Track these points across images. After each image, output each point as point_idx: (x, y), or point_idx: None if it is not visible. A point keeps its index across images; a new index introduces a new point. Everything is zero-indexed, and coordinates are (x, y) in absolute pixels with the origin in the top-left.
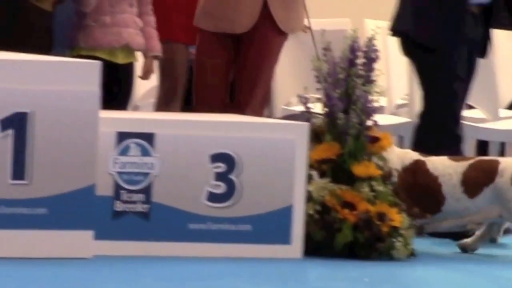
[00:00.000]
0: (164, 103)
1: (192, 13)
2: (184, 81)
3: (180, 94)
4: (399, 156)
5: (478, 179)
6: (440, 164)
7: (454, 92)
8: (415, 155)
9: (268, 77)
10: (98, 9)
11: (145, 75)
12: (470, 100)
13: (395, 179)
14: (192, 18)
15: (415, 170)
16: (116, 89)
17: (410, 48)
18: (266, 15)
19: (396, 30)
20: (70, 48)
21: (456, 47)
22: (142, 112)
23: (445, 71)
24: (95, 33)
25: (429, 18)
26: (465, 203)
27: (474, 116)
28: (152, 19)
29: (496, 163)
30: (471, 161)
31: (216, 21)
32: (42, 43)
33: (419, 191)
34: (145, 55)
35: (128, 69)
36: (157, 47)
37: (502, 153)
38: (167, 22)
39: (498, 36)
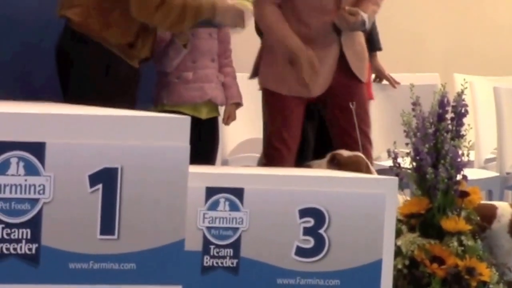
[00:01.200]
0: None
1: None
2: None
3: None
4: None
5: None
6: None
7: None
8: None
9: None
10: (181, 66)
11: (227, 121)
12: None
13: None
14: None
15: None
16: (201, 144)
17: None
18: (342, 67)
19: None
20: (154, 105)
21: None
22: (231, 167)
23: None
24: (178, 89)
25: None
26: None
27: None
28: (232, 70)
29: None
30: None
31: (290, 85)
32: (128, 98)
33: None
34: (226, 104)
35: (212, 123)
36: (235, 95)
37: None
38: None
39: None
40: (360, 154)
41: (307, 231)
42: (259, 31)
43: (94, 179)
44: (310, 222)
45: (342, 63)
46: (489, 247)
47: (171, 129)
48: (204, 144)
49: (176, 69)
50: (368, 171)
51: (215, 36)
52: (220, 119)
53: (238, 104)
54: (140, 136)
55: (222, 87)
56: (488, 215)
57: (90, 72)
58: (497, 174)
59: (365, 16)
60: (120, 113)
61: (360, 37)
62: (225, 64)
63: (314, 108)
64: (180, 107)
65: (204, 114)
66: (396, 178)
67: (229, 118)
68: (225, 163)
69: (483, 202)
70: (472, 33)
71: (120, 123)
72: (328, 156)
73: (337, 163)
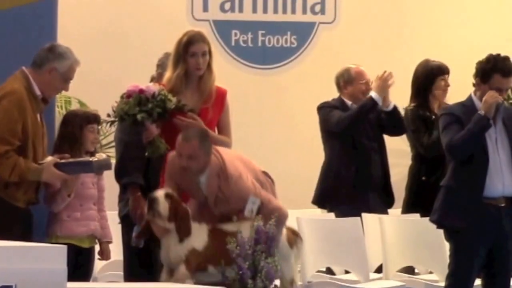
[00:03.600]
0: None
1: None
2: None
3: None
4: None
5: None
6: None
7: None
8: None
9: None
10: (71, 207)
11: (106, 257)
12: (346, 266)
13: None
14: None
15: None
16: (81, 267)
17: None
18: None
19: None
20: (49, 237)
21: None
22: (101, 283)
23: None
24: (69, 226)
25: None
26: None
27: (350, 278)
28: (105, 214)
29: None
30: None
31: None
32: (23, 232)
33: None
34: (100, 241)
35: (91, 251)
36: (109, 235)
37: None
38: None
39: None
40: None
41: None
42: None
43: None
44: None
45: None
46: None
47: (52, 256)
48: (82, 267)
49: (66, 210)
50: None
51: (95, 186)
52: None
53: (109, 242)
54: (30, 261)
55: (99, 223)
56: None
57: None
58: (300, 283)
59: None
60: (14, 244)
61: None
62: (101, 208)
63: None
64: (71, 239)
65: (86, 244)
66: None
67: (103, 254)
68: (95, 279)
69: None
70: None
71: (15, 251)
72: None
73: None
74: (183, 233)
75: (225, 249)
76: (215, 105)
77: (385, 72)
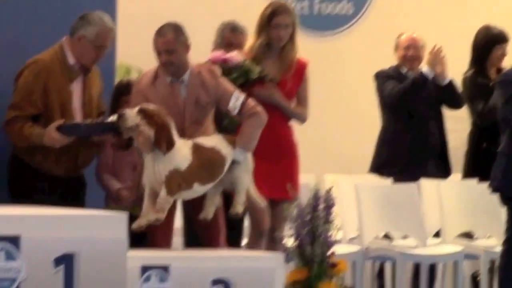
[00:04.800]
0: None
1: None
2: None
3: None
4: None
5: None
6: None
7: None
8: None
9: None
10: (123, 176)
11: None
12: (404, 231)
13: None
14: None
15: None
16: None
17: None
18: None
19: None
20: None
21: None
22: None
23: None
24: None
25: None
26: None
27: (408, 244)
28: None
29: None
30: None
31: None
32: (68, 201)
33: None
34: None
35: None
36: None
37: (432, 273)
38: None
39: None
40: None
41: None
42: None
43: (57, 262)
44: None
45: None
46: None
47: (113, 224)
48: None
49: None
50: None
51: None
52: None
53: None
54: (91, 229)
55: None
56: None
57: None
58: (360, 247)
59: None
60: (75, 212)
61: None
62: None
63: None
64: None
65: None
66: (281, 254)
67: None
68: None
69: None
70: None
71: (75, 219)
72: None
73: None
74: (164, 145)
75: (209, 164)
76: (295, 77)
77: (435, 46)
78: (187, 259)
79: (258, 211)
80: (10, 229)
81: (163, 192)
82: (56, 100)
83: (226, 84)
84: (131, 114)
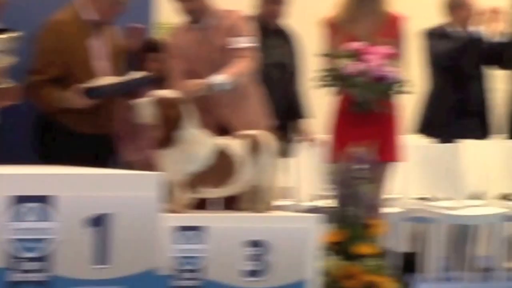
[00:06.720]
0: None
1: None
2: None
3: None
4: None
5: None
6: None
7: None
8: None
9: None
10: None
11: None
12: (444, 192)
13: None
14: None
15: None
16: None
17: None
18: None
19: None
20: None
21: None
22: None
23: None
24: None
25: None
26: None
27: (449, 205)
28: None
29: None
30: None
31: None
32: (98, 159)
33: None
34: None
35: None
36: None
37: (468, 235)
38: None
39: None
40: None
41: (251, 258)
42: None
43: (91, 222)
44: (254, 250)
45: None
46: None
47: (146, 183)
48: None
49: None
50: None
51: None
52: None
53: None
54: (123, 188)
55: None
56: None
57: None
58: (402, 210)
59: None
60: (107, 172)
61: None
62: None
63: None
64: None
65: None
66: (317, 215)
67: None
68: None
69: None
70: None
71: (107, 179)
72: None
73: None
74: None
75: (229, 170)
76: (389, 33)
77: (488, 7)
78: (222, 220)
79: None
80: (45, 189)
81: (177, 193)
82: (76, 58)
83: (246, 28)
84: (147, 104)
